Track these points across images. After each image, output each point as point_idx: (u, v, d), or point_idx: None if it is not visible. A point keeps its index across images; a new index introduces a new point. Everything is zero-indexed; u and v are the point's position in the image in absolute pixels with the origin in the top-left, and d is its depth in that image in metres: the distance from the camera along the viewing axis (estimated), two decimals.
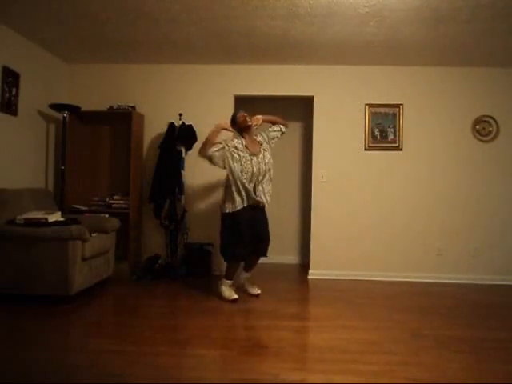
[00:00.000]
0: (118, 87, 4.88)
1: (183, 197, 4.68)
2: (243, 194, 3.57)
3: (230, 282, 3.71)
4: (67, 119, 4.36)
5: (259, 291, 3.82)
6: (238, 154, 3.59)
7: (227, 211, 3.62)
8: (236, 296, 3.64)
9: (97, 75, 4.93)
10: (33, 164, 4.37)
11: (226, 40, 4.11)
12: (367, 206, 4.76)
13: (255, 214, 3.64)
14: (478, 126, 4.71)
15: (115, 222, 4.15)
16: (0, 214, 3.45)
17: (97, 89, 4.90)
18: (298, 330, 3.06)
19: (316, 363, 2.46)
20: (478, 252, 4.67)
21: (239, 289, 3.81)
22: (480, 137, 4.71)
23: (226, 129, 3.75)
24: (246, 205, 3.58)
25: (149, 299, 3.79)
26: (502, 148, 4.69)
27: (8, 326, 2.94)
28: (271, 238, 3.79)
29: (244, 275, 3.87)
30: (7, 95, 3.87)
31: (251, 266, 3.83)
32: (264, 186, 3.68)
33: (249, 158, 3.60)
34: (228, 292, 3.66)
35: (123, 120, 4.63)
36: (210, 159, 3.63)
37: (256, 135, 3.79)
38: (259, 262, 3.84)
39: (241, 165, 3.57)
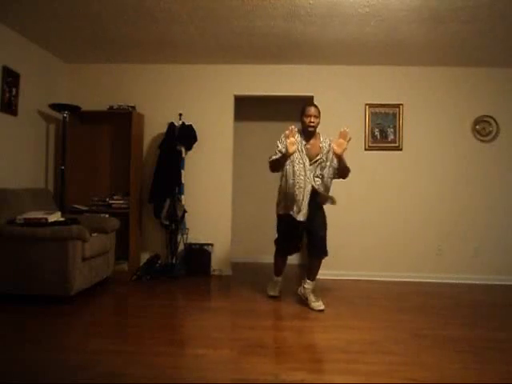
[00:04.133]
0: (118, 87, 4.88)
1: (183, 197, 4.68)
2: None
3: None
4: (67, 119, 4.36)
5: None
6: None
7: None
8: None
9: (97, 75, 4.93)
10: (33, 164, 4.37)
11: (226, 40, 4.12)
12: (367, 205, 4.77)
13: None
14: (477, 126, 4.71)
15: (115, 222, 4.15)
16: (0, 214, 3.45)
17: (97, 89, 4.90)
18: (298, 329, 3.06)
19: (316, 363, 2.46)
20: (478, 252, 4.67)
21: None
22: (480, 137, 4.71)
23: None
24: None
25: (149, 299, 3.79)
26: (502, 148, 4.69)
27: (8, 326, 2.94)
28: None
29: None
30: (7, 95, 3.87)
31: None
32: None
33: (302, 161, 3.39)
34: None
35: (123, 120, 4.63)
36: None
37: (322, 140, 3.50)
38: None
39: (293, 167, 3.41)
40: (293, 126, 3.24)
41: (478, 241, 4.69)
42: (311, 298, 3.52)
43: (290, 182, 3.43)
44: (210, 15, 3.55)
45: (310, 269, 3.59)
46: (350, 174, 4.67)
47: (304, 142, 3.47)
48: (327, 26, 3.71)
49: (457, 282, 4.57)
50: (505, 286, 4.48)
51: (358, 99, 4.79)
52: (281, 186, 3.57)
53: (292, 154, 3.25)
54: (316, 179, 3.45)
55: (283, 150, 3.33)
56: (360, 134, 4.78)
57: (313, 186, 3.41)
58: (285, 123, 5.61)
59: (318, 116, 3.47)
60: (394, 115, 4.76)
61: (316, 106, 3.54)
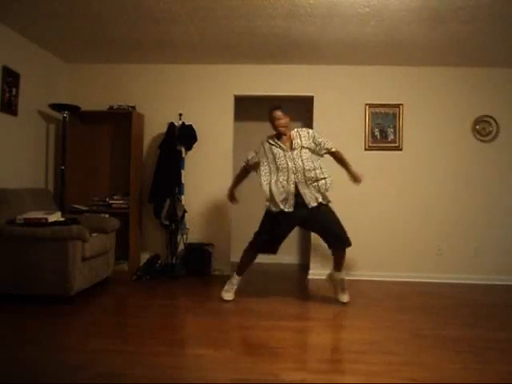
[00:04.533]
0: (118, 87, 4.88)
1: (183, 197, 4.68)
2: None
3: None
4: (67, 119, 4.36)
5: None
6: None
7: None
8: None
9: (97, 75, 4.93)
10: (33, 164, 4.37)
11: (226, 40, 4.12)
12: (367, 205, 4.76)
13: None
14: (477, 126, 4.71)
15: (115, 222, 4.15)
16: (0, 214, 3.45)
17: (97, 89, 4.90)
18: (298, 329, 3.06)
19: (316, 363, 2.46)
20: (478, 252, 4.67)
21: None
22: (480, 137, 4.71)
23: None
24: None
25: (149, 299, 3.79)
26: (502, 148, 4.69)
27: (8, 326, 2.94)
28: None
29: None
30: (7, 95, 3.87)
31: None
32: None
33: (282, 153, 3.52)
34: None
35: (123, 120, 4.63)
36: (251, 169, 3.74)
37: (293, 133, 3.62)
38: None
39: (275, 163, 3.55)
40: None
41: (478, 241, 4.69)
42: (338, 289, 3.69)
43: (274, 178, 3.53)
44: (210, 15, 3.55)
45: (335, 260, 3.71)
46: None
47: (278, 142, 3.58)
48: (327, 26, 3.71)
49: (457, 281, 4.57)
50: (505, 286, 4.47)
51: (358, 99, 4.78)
52: (270, 182, 3.60)
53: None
54: (305, 163, 3.51)
55: (255, 161, 3.64)
56: (360, 134, 4.78)
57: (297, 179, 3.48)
58: None
59: (284, 116, 3.57)
60: (394, 115, 4.76)
61: (279, 108, 3.61)
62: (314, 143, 3.58)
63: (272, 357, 2.48)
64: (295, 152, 3.51)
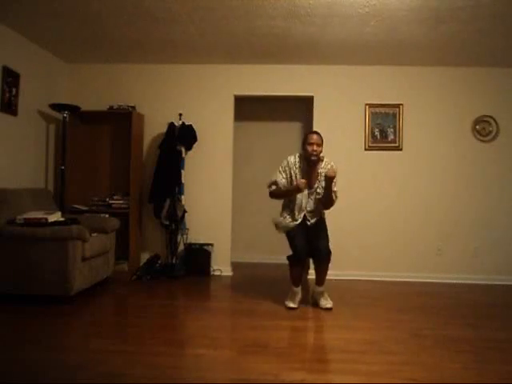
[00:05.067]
0: (118, 87, 4.88)
1: (183, 197, 4.68)
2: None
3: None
4: (67, 119, 4.36)
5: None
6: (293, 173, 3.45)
7: None
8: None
9: (97, 75, 4.93)
10: (33, 164, 4.37)
11: (226, 40, 4.12)
12: (367, 205, 4.77)
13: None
14: (478, 126, 4.71)
15: (115, 222, 4.15)
16: (0, 214, 3.45)
17: (97, 89, 4.90)
18: (298, 329, 3.06)
19: (316, 363, 2.46)
20: (478, 252, 4.67)
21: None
22: (480, 137, 4.71)
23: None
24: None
25: (149, 299, 3.79)
26: (502, 148, 4.69)
27: (8, 326, 2.94)
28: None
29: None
30: (7, 95, 3.87)
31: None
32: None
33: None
34: None
35: (123, 120, 4.63)
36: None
37: (323, 166, 3.48)
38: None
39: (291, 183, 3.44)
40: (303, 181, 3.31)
41: (478, 241, 4.69)
42: (319, 297, 3.56)
43: (289, 206, 3.52)
44: (210, 15, 3.55)
45: (318, 273, 3.58)
46: (350, 174, 4.75)
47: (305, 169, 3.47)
48: (327, 26, 3.71)
49: (457, 282, 4.57)
50: (505, 286, 4.48)
51: (358, 99, 4.78)
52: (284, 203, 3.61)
53: (302, 191, 3.34)
54: (310, 205, 3.49)
55: (284, 184, 3.44)
56: (360, 134, 4.78)
57: (305, 215, 3.47)
58: (285, 123, 5.65)
59: (320, 144, 3.43)
60: (394, 115, 4.76)
61: (318, 134, 3.49)
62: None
63: (272, 357, 2.48)
64: (312, 190, 3.45)
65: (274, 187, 3.50)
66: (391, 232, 4.74)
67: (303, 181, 3.30)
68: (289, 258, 3.53)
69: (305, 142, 3.47)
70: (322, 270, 3.54)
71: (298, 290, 3.56)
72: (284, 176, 3.48)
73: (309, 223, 3.53)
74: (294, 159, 3.51)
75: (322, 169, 3.48)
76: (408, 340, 2.80)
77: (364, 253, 4.74)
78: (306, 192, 3.43)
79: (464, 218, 4.70)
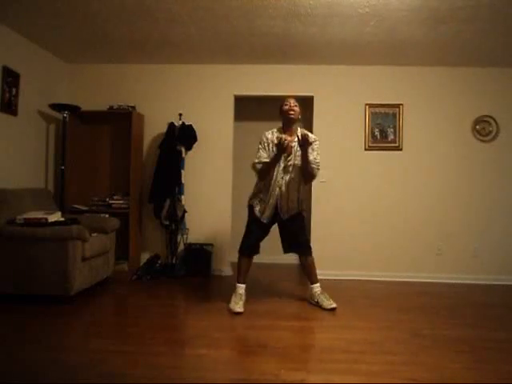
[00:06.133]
0: (118, 87, 4.89)
1: (183, 197, 4.68)
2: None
3: None
4: (67, 119, 4.36)
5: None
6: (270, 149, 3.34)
7: None
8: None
9: (97, 75, 4.93)
10: (33, 164, 4.37)
11: (226, 40, 4.12)
12: (367, 205, 4.77)
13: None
14: (478, 126, 4.71)
15: (115, 222, 4.15)
16: (0, 214, 3.45)
17: (97, 89, 4.90)
18: (297, 329, 3.06)
19: (316, 363, 2.46)
20: (478, 252, 4.67)
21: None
22: (480, 137, 4.71)
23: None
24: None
25: (149, 299, 3.79)
26: (502, 148, 4.69)
27: (8, 326, 2.94)
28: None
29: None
30: (7, 95, 3.88)
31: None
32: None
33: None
34: None
35: (123, 120, 4.63)
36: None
37: (298, 133, 3.33)
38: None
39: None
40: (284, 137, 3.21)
41: (478, 241, 4.69)
42: (322, 298, 3.54)
43: (263, 184, 3.48)
44: (210, 15, 3.55)
45: (307, 272, 3.64)
46: (350, 174, 4.75)
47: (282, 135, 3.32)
48: (327, 26, 3.71)
49: (457, 282, 4.57)
50: (505, 286, 4.48)
51: (358, 99, 4.79)
52: (257, 184, 3.57)
53: (288, 149, 3.22)
54: (286, 179, 3.41)
55: (267, 159, 3.35)
56: (360, 134, 4.78)
57: (281, 189, 3.41)
58: None
59: (297, 105, 3.43)
60: (394, 115, 4.76)
61: (294, 99, 3.49)
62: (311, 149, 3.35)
63: (272, 357, 2.48)
64: (290, 163, 3.36)
65: (260, 166, 3.40)
66: (391, 232, 4.75)
67: (285, 136, 3.22)
68: (243, 244, 3.57)
69: (281, 106, 3.45)
70: (308, 265, 3.61)
71: (243, 289, 3.54)
72: (267, 153, 3.39)
73: (283, 218, 3.47)
74: (271, 135, 3.43)
75: (295, 139, 3.34)
76: (408, 340, 2.80)
77: (364, 252, 4.74)
78: (281, 167, 3.36)
79: (464, 218, 4.70)
